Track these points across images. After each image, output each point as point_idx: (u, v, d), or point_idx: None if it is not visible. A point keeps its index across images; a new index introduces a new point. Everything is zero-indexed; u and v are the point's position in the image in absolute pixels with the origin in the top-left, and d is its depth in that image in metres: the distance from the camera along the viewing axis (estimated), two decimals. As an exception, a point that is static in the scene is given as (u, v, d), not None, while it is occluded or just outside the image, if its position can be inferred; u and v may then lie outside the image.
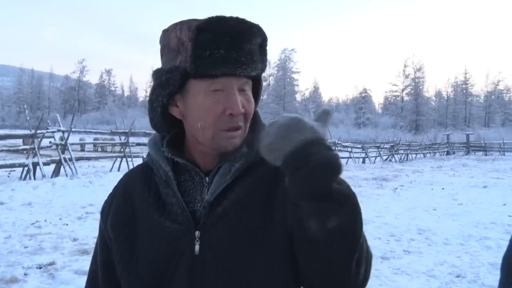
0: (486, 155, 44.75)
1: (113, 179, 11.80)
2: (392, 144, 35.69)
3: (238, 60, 0.93)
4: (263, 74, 1.05)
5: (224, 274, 0.94)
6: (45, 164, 13.78)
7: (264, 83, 1.12)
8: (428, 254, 6.61)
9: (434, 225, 8.60)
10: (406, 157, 35.74)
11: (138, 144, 19.73)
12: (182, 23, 0.98)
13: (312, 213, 0.81)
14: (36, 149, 13.68)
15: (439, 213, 10.16)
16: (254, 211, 0.97)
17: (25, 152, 16.08)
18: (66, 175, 13.67)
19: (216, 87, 0.95)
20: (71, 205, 10.02)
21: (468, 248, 7.02)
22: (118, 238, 1.05)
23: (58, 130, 15.17)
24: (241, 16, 0.95)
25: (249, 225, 0.96)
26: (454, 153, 47.37)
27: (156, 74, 1.01)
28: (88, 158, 17.89)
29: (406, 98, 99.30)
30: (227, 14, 0.94)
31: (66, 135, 15.00)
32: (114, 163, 17.28)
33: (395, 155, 34.10)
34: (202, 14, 0.97)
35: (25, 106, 18.25)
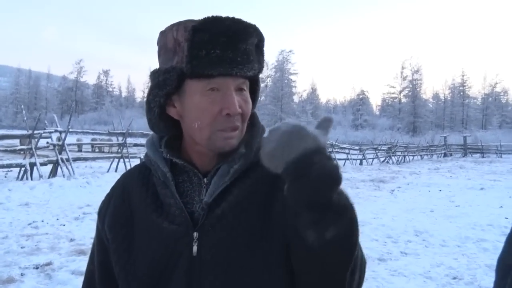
0: (483, 157, 44.83)
1: (110, 179, 11.78)
2: (389, 146, 35.74)
3: (234, 60, 0.93)
4: (261, 75, 1.05)
5: (221, 276, 0.94)
6: (42, 164, 13.76)
7: (262, 85, 1.11)
8: (425, 256, 6.61)
9: (431, 227, 8.61)
10: (403, 159, 35.78)
11: (136, 145, 19.69)
12: (178, 24, 0.98)
13: (310, 223, 0.81)
14: (33, 150, 13.66)
15: (436, 215, 10.18)
16: (252, 213, 0.97)
17: (22, 152, 16.05)
18: (63, 175, 13.65)
19: (212, 87, 0.95)
20: (68, 205, 10.01)
21: (465, 250, 7.03)
22: (116, 239, 1.05)
23: (56, 131, 15.14)
24: (237, 16, 0.95)
25: (248, 227, 0.96)
26: (451, 155, 47.48)
27: (153, 74, 1.01)
28: (86, 159, 17.88)
29: (403, 100, 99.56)
30: (223, 15, 0.94)
31: (63, 135, 14.98)
32: (111, 163, 17.25)
33: (393, 157, 34.15)
34: (200, 15, 0.97)
35: (22, 107, 18.15)
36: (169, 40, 0.99)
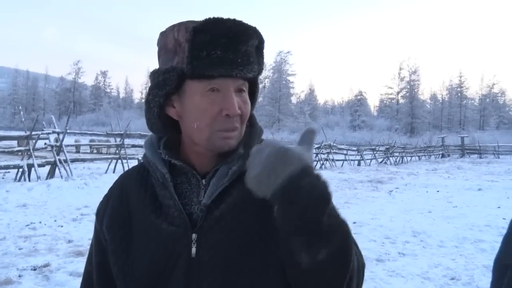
0: (480, 158, 44.90)
1: (108, 180, 11.78)
2: (387, 147, 35.73)
3: (234, 62, 0.93)
4: (259, 77, 1.05)
5: (220, 277, 0.94)
6: (40, 165, 13.75)
7: (260, 86, 1.11)
8: (423, 257, 6.62)
9: (429, 228, 8.62)
10: (401, 159, 35.84)
11: (134, 146, 19.68)
12: (179, 24, 0.98)
13: (301, 246, 0.82)
14: (31, 151, 13.64)
15: (434, 215, 10.19)
16: (251, 215, 0.97)
17: (20, 153, 16.02)
18: (61, 176, 13.63)
19: (212, 88, 0.95)
20: (66, 206, 9.99)
21: (462, 250, 7.04)
22: (114, 240, 1.05)
23: (53, 132, 15.12)
24: (236, 18, 0.96)
25: (246, 229, 0.96)
26: (449, 156, 47.54)
27: (153, 74, 1.01)
28: (83, 160, 17.84)
29: (401, 101, 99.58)
30: (224, 16, 0.95)
31: (61, 136, 14.96)
32: (109, 164, 17.23)
33: (390, 158, 34.19)
34: (199, 16, 0.97)
35: (20, 108, 18.11)
36: (169, 40, 0.99)
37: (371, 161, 31.69)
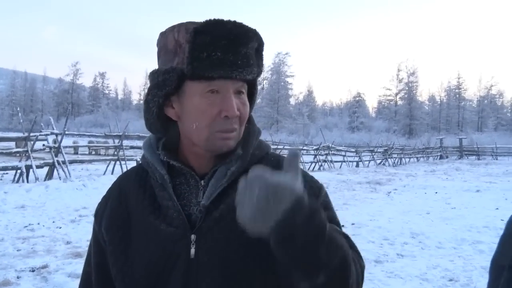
0: (479, 159, 44.96)
1: (106, 182, 11.78)
2: (385, 148, 35.79)
3: (234, 63, 0.94)
4: (258, 78, 1.06)
5: (219, 278, 0.94)
6: (38, 167, 13.72)
7: (258, 87, 1.11)
8: (421, 258, 6.63)
9: (427, 229, 8.63)
10: (399, 161, 35.84)
11: (132, 147, 19.67)
12: (180, 25, 0.99)
13: (301, 278, 0.82)
14: (29, 152, 13.62)
15: (432, 217, 10.20)
16: None
17: (18, 155, 15.97)
18: (60, 178, 13.62)
19: (212, 89, 0.95)
20: (65, 208, 9.98)
21: (461, 252, 7.05)
22: (113, 241, 1.05)
23: (52, 133, 15.11)
24: (236, 20, 0.96)
25: (245, 230, 0.96)
26: (447, 157, 47.61)
27: (153, 75, 1.01)
28: (82, 161, 17.84)
29: (399, 102, 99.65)
30: (225, 18, 0.95)
31: (59, 138, 14.94)
32: (107, 166, 17.22)
33: (389, 159, 34.22)
34: (198, 17, 0.98)
35: (18, 109, 18.16)
36: (169, 41, 0.99)
37: (369, 163, 31.71)
